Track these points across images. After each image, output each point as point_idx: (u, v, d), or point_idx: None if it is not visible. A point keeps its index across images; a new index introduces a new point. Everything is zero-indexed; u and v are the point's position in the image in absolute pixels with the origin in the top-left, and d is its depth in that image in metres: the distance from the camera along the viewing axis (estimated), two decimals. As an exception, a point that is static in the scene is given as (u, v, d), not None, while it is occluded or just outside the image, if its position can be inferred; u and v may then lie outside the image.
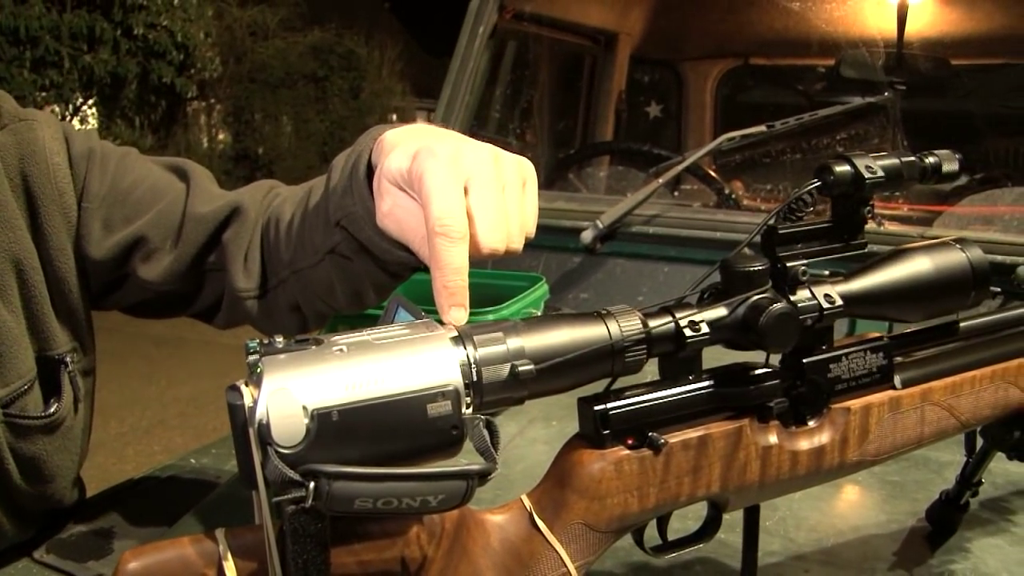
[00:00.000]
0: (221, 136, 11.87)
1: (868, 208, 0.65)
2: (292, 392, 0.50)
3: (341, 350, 0.53)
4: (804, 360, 0.65)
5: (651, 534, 0.66)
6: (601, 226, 1.50)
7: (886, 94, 1.61)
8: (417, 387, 0.52)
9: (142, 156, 0.98)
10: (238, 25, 10.83)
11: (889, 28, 1.76)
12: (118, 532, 1.11)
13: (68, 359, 0.93)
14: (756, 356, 0.64)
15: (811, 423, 0.65)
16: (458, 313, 0.59)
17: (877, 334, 0.69)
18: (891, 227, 1.44)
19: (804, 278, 0.63)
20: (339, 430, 0.50)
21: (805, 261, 0.63)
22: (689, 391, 0.61)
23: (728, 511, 0.66)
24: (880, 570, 0.86)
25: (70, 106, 9.03)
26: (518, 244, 0.65)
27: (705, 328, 0.59)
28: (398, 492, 0.50)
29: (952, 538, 0.91)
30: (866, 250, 0.66)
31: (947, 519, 0.91)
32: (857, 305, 0.65)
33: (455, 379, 0.52)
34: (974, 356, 0.73)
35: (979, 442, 0.87)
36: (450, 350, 0.53)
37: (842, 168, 0.63)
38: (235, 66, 10.98)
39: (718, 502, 0.65)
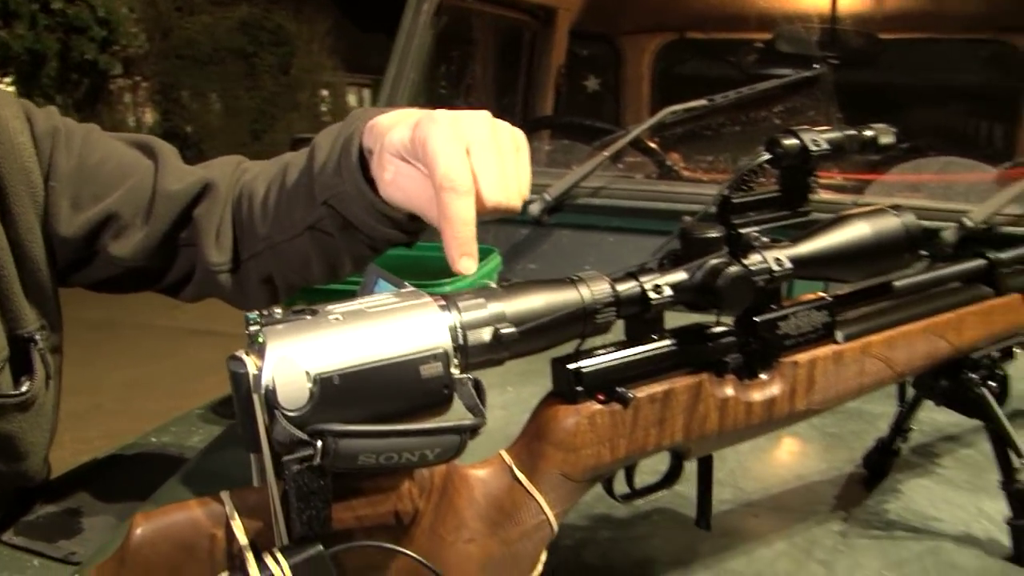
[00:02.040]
0: (148, 114, 11.60)
1: (813, 179, 0.71)
2: (295, 359, 0.53)
3: (337, 318, 0.56)
4: (756, 319, 0.70)
5: (619, 485, 0.72)
6: (549, 198, 1.55)
7: (820, 68, 1.68)
8: (410, 351, 0.56)
9: (106, 133, 0.99)
10: (163, 0, 10.58)
11: (823, 4, 1.83)
12: (86, 511, 1.13)
13: (37, 337, 0.95)
14: (711, 317, 0.70)
15: (763, 376, 0.71)
16: (468, 262, 0.63)
17: (820, 294, 0.75)
18: (826, 195, 1.51)
19: (756, 243, 0.68)
20: (340, 393, 0.54)
21: (757, 228, 0.69)
22: (653, 349, 0.66)
23: (689, 459, 0.71)
24: (822, 512, 0.93)
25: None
26: (517, 202, 0.69)
27: (668, 291, 0.64)
28: (399, 447, 0.54)
29: (886, 481, 0.98)
30: (810, 217, 0.72)
31: (881, 464, 0.98)
32: (804, 267, 0.71)
33: (445, 342, 0.56)
34: (907, 312, 0.79)
35: (910, 392, 0.94)
36: (439, 315, 0.57)
37: (790, 142, 0.69)
38: (161, 42, 10.74)
39: (680, 451, 0.70)
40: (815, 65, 1.66)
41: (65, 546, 1.04)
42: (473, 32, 2.20)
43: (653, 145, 1.78)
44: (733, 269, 0.65)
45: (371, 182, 0.78)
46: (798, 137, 0.68)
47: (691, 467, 0.76)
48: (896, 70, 2.03)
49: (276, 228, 0.91)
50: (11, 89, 9.28)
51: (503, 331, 0.58)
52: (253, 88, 11.20)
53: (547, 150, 1.87)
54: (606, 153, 1.55)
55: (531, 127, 2.15)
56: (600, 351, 0.66)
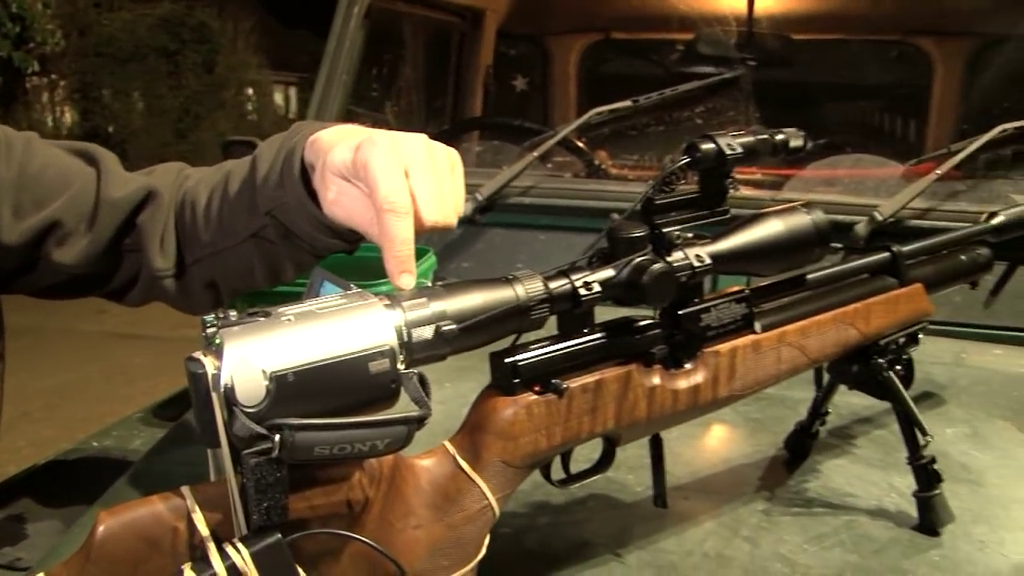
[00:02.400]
0: (67, 114, 11.31)
1: (730, 180, 0.76)
2: (251, 358, 0.57)
3: (289, 319, 0.59)
4: (680, 312, 0.75)
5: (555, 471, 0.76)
6: (480, 198, 1.59)
7: (739, 70, 1.75)
8: (359, 348, 0.59)
9: (46, 141, 1.00)
10: (80, -4, 10.34)
11: (740, 7, 1.90)
12: (30, 517, 1.13)
13: None
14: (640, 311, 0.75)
15: (687, 366, 0.76)
16: (407, 278, 0.67)
17: (740, 287, 0.80)
18: (746, 191, 1.58)
19: (678, 241, 0.73)
20: (295, 389, 0.57)
21: (678, 227, 0.74)
22: (585, 342, 0.71)
23: (620, 445, 0.76)
24: (747, 493, 0.98)
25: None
26: (453, 219, 0.73)
27: (597, 288, 0.69)
28: (351, 438, 0.58)
29: (806, 462, 1.05)
30: (729, 215, 0.77)
31: (801, 446, 1.05)
32: (723, 263, 0.76)
33: (391, 340, 0.60)
34: (819, 303, 0.85)
35: (826, 378, 1.01)
36: (385, 314, 0.61)
37: (707, 146, 0.74)
38: (79, 39, 10.47)
39: (612, 438, 0.75)
40: (732, 67, 1.73)
41: (9, 552, 1.05)
42: (403, 34, 2.23)
43: (581, 145, 1.84)
44: (657, 266, 0.70)
45: (313, 194, 0.81)
46: (715, 142, 0.73)
47: (623, 454, 0.81)
48: (810, 71, 2.12)
49: (219, 235, 0.93)
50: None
51: (444, 328, 0.62)
52: (176, 87, 10.99)
53: (477, 151, 1.91)
54: (535, 153, 1.59)
55: (462, 128, 2.19)
56: (535, 345, 0.70)
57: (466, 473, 0.68)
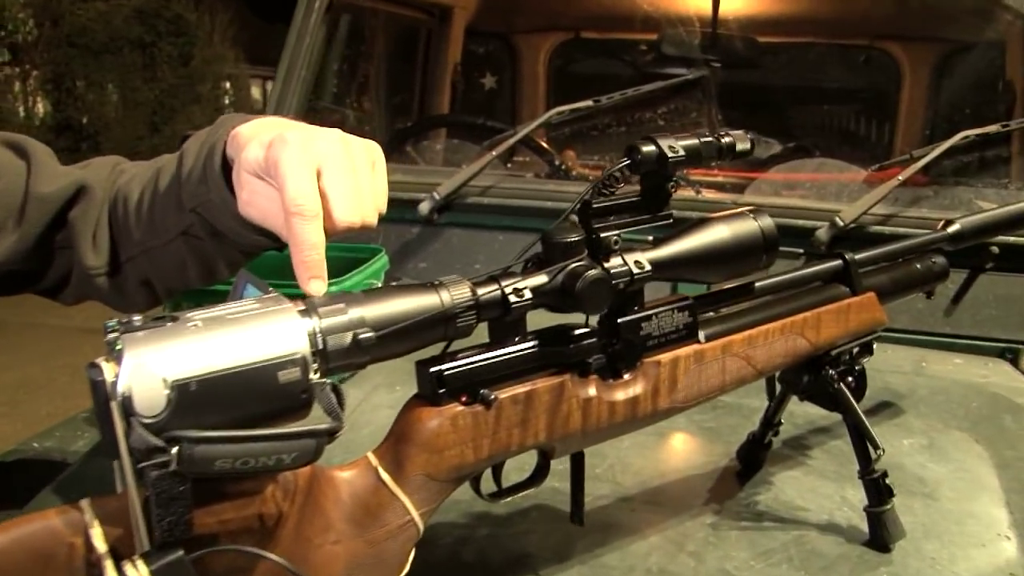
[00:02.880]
0: (39, 105, 11.17)
1: (672, 183, 0.73)
2: (151, 366, 0.54)
3: (196, 325, 0.56)
4: (619, 320, 0.72)
5: (488, 484, 0.73)
6: (438, 197, 1.55)
7: (701, 71, 1.73)
8: (268, 356, 0.56)
9: None
10: (53, -15, 10.20)
11: (706, 8, 1.88)
12: (-35, 518, 1.09)
13: None
14: (578, 318, 0.72)
15: (626, 376, 0.73)
16: (317, 284, 0.63)
17: (684, 295, 0.77)
18: (708, 194, 1.55)
19: (616, 247, 0.70)
20: (198, 399, 0.54)
21: (617, 232, 0.71)
22: (516, 351, 0.68)
23: (555, 458, 0.73)
24: (696, 505, 0.96)
25: None
26: (372, 219, 0.69)
27: (528, 294, 0.66)
28: (255, 452, 0.54)
29: (758, 473, 1.02)
30: (671, 220, 0.74)
31: (754, 457, 1.02)
32: (664, 269, 0.73)
33: (303, 348, 0.57)
34: (767, 312, 0.83)
35: (778, 388, 0.98)
36: (297, 321, 0.58)
37: (648, 148, 0.71)
38: (52, 29, 10.33)
39: (546, 450, 0.72)
40: (697, 68, 1.71)
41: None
42: (367, 29, 2.19)
43: (543, 144, 1.81)
44: (592, 272, 0.67)
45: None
46: (656, 144, 0.70)
47: (565, 463, 0.78)
48: (776, 73, 2.10)
49: (150, 233, 0.90)
50: None
51: (361, 336, 0.59)
52: (152, 79, 10.87)
53: (439, 149, 1.88)
54: (494, 152, 1.56)
55: (424, 126, 2.16)
56: (464, 354, 0.67)
57: (388, 487, 0.65)
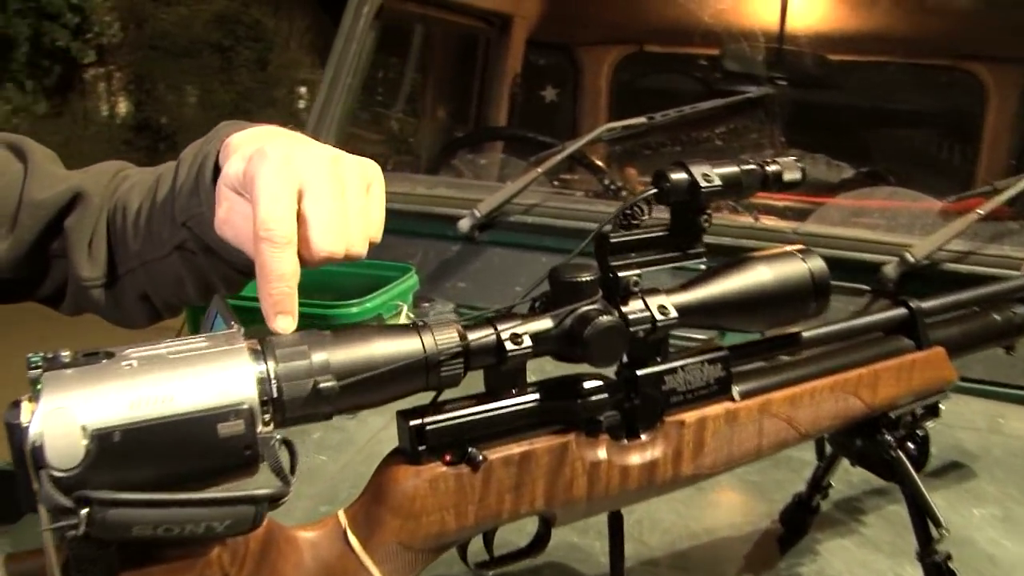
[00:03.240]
0: (121, 104, 11.42)
1: (705, 216, 0.63)
2: (71, 411, 0.46)
3: (131, 365, 0.49)
4: (638, 372, 0.63)
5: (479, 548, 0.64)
6: (479, 215, 1.47)
7: (764, 89, 1.61)
8: (207, 405, 0.48)
9: None
10: (138, -11, 10.42)
11: (772, 23, 1.77)
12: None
13: None
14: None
15: (644, 437, 0.63)
16: (284, 322, 0.55)
17: (717, 344, 0.67)
18: (767, 221, 1.44)
19: (636, 288, 0.61)
20: (122, 451, 0.47)
21: (638, 271, 0.61)
22: (512, 405, 0.58)
23: (558, 526, 0.64)
24: (731, 573, 0.86)
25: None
26: (360, 248, 0.61)
27: (528, 341, 0.57)
28: (179, 518, 0.47)
29: (803, 540, 0.91)
30: (703, 259, 0.64)
31: (798, 521, 0.92)
32: (694, 316, 0.63)
33: (249, 396, 0.49)
34: (815, 367, 0.72)
35: (828, 447, 0.88)
36: (247, 366, 0.50)
37: (678, 176, 0.61)
38: (136, 32, 10.56)
39: (547, 517, 0.63)
40: (761, 86, 1.59)
41: None
42: (419, 37, 2.12)
43: (597, 162, 1.71)
44: (604, 319, 0.57)
45: None
46: (687, 170, 0.61)
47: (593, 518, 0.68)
48: (847, 93, 1.97)
49: (147, 246, 0.84)
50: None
51: (322, 385, 0.50)
52: (229, 83, 11.02)
53: (487, 163, 1.80)
54: (540, 169, 1.47)
55: (472, 140, 2.08)
56: (452, 405, 0.58)
57: (356, 553, 0.56)
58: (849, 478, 1.02)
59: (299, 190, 0.58)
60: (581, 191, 1.68)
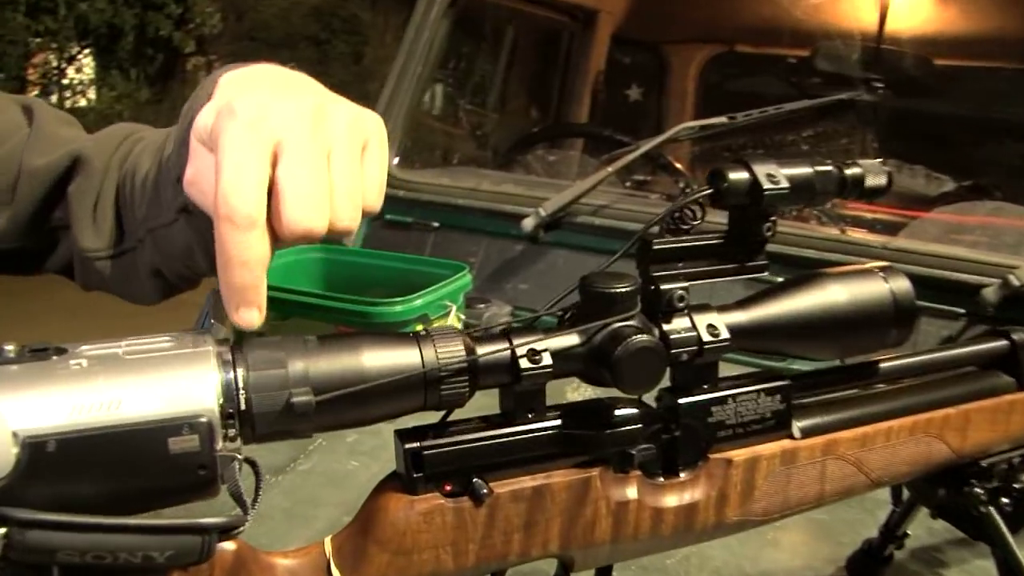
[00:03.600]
0: (220, 93, 11.66)
1: (769, 224, 0.54)
2: (2, 414, 0.40)
3: (79, 365, 0.43)
4: (680, 401, 0.54)
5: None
6: (544, 214, 1.39)
7: (858, 91, 1.49)
8: (157, 415, 0.41)
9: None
10: (240, -19, 10.63)
11: (870, 21, 1.64)
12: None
13: None
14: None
15: (683, 475, 0.55)
16: (248, 315, 0.47)
17: (776, 372, 0.58)
18: (854, 234, 1.33)
19: (681, 304, 0.52)
20: (57, 463, 0.41)
21: (686, 283, 0.53)
22: (528, 431, 0.50)
23: (576, 571, 0.55)
24: (785, 627, 0.76)
25: (64, 53, 8.88)
26: (349, 222, 0.51)
27: (547, 359, 0.49)
28: (111, 545, 0.40)
29: (872, 594, 0.81)
30: (764, 272, 0.55)
31: (868, 571, 0.82)
32: (749, 339, 0.55)
33: (208, 408, 0.42)
34: (893, 403, 0.62)
35: (906, 492, 0.77)
36: (209, 373, 0.43)
37: (738, 175, 0.52)
38: (235, 23, 10.77)
39: (564, 560, 0.55)
40: (855, 88, 1.47)
41: None
42: (497, 28, 2.05)
43: (678, 165, 1.62)
44: (640, 337, 0.49)
45: None
46: (748, 169, 0.52)
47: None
48: (952, 100, 1.82)
49: (153, 211, 0.75)
50: (88, 60, 9.42)
51: (296, 399, 0.43)
52: (324, 75, 11.14)
53: (551, 159, 1.71)
54: (610, 168, 1.38)
55: (543, 136, 2.00)
56: (458, 427, 0.50)
57: (337, 592, 0.49)
58: (929, 524, 0.91)
59: (273, 152, 0.48)
60: (656, 194, 1.59)
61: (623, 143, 1.59)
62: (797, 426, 0.58)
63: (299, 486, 0.96)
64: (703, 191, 0.53)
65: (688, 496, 0.55)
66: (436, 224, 1.52)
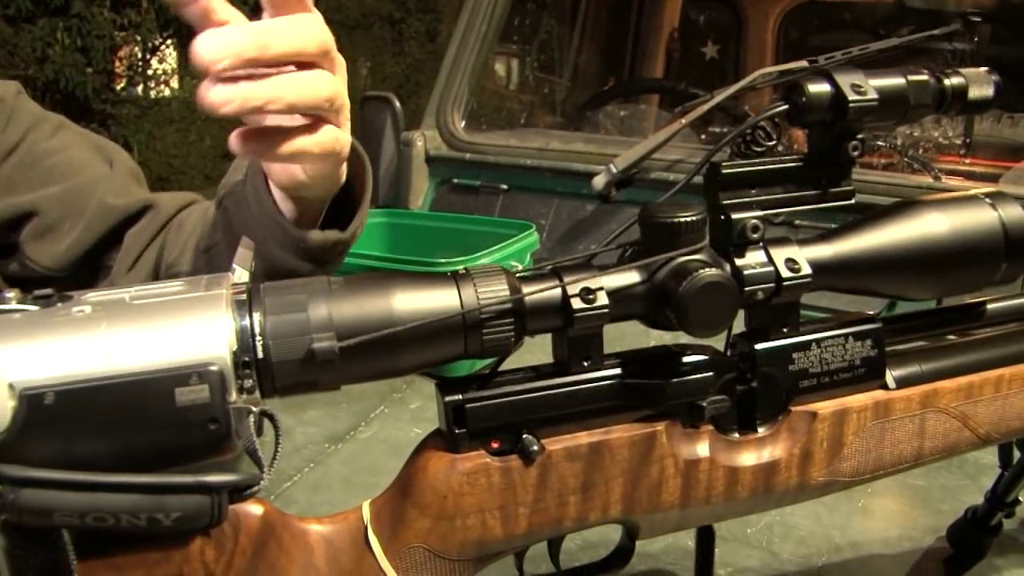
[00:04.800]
0: (296, 76, 11.82)
1: (856, 144, 0.48)
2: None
3: (82, 312, 0.39)
4: (757, 347, 0.48)
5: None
6: (615, 170, 1.32)
7: (954, 26, 1.38)
8: (163, 364, 0.37)
9: (74, 128, 0.86)
10: (315, -36, 10.72)
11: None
12: None
13: None
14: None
15: (761, 430, 0.49)
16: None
17: (867, 314, 0.52)
18: (950, 181, 1.23)
19: (756, 235, 0.46)
20: (57, 416, 0.37)
21: (761, 213, 0.47)
22: (583, 382, 0.45)
23: (642, 538, 0.50)
24: (880, 603, 0.70)
25: (148, 45, 9.07)
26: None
27: (603, 299, 0.43)
28: (112, 506, 0.36)
29: (977, 565, 0.74)
30: (851, 200, 0.49)
31: (973, 542, 0.74)
32: (835, 275, 0.48)
33: (219, 355, 0.38)
34: (1003, 349, 0.55)
35: (1017, 453, 0.70)
36: (221, 317, 0.39)
37: (818, 87, 0.46)
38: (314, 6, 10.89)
39: (628, 526, 0.49)
40: (949, 24, 1.35)
41: None
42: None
43: (751, 114, 1.53)
44: (707, 271, 0.43)
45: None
46: (831, 80, 0.45)
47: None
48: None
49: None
50: (171, 51, 9.62)
51: (316, 345, 0.39)
52: (399, 54, 11.18)
53: (622, 115, 1.64)
54: (684, 121, 1.31)
55: (613, 93, 1.92)
56: (506, 377, 0.45)
57: (375, 558, 0.44)
58: (1043, 491, 0.83)
59: None
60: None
61: (699, 96, 1.51)
62: (891, 375, 0.51)
63: (359, 454, 0.93)
64: (778, 106, 0.47)
65: (767, 454, 0.49)
66: (504, 187, 1.47)
